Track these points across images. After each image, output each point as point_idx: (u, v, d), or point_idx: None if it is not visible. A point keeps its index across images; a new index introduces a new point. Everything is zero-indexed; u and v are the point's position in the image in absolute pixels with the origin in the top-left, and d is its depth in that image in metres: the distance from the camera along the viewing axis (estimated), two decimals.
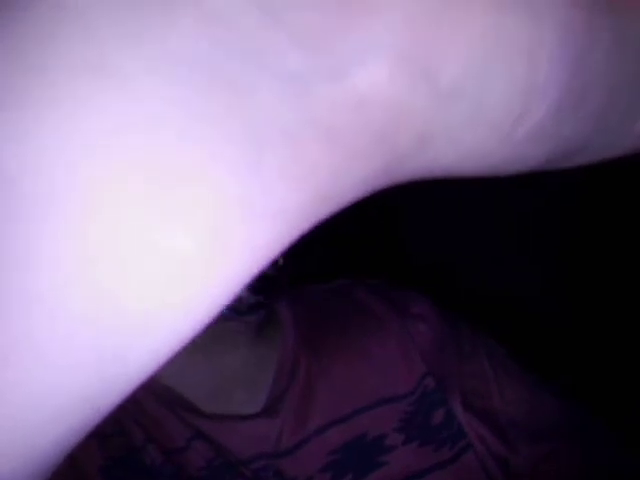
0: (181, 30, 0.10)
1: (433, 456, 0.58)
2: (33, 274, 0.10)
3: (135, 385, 0.11)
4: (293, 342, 0.61)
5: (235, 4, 0.10)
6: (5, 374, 0.10)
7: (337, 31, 0.10)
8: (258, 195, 0.11)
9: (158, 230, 0.10)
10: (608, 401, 0.66)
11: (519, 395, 0.61)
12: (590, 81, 0.12)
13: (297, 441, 0.57)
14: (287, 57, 0.10)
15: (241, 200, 0.10)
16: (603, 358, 0.75)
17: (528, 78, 0.11)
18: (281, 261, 0.55)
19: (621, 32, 0.12)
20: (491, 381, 0.61)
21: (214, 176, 0.10)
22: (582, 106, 0.12)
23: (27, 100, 0.10)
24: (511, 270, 0.80)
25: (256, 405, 0.58)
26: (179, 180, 0.10)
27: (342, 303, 0.65)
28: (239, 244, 0.11)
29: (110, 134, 0.10)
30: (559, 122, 0.12)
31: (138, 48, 0.10)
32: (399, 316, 0.63)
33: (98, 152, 0.10)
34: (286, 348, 0.61)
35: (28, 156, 0.10)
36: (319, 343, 0.61)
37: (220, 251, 0.11)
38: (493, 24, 0.11)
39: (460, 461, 0.58)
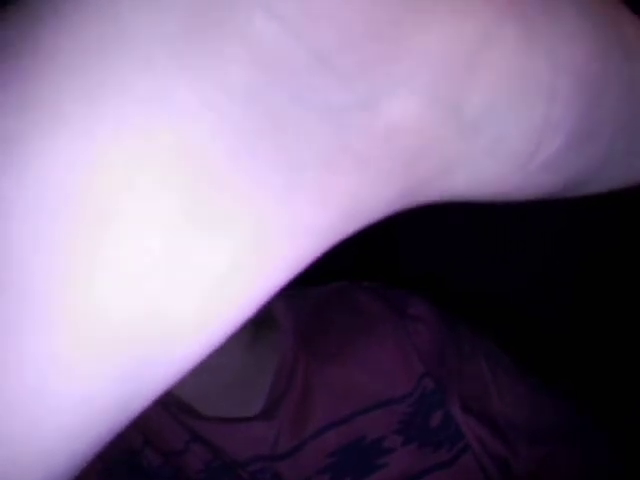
0: (237, 67, 0.11)
1: (432, 458, 0.58)
2: (60, 287, 0.10)
3: (159, 394, 0.12)
4: (291, 344, 0.61)
5: (287, 47, 0.11)
6: (25, 385, 0.10)
7: (374, 68, 0.11)
8: (291, 215, 0.11)
9: (196, 246, 0.11)
10: (607, 402, 0.66)
11: (518, 396, 0.61)
12: (601, 120, 0.13)
13: (295, 443, 0.56)
14: (329, 92, 0.11)
15: (275, 219, 0.11)
16: (602, 359, 0.75)
17: (545, 116, 0.12)
18: None
19: (633, 77, 0.13)
20: (490, 382, 0.61)
21: (253, 197, 0.11)
22: (592, 142, 0.13)
23: (98, 127, 0.10)
24: (508, 272, 0.80)
25: (254, 407, 0.58)
26: (221, 202, 0.11)
27: (340, 305, 0.65)
28: (272, 259, 0.11)
29: (163, 159, 0.10)
30: (571, 156, 0.13)
31: (196, 81, 0.10)
32: (397, 317, 0.63)
33: (150, 173, 0.10)
34: (284, 350, 0.60)
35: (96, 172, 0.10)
36: (317, 345, 0.61)
37: (253, 266, 0.11)
38: (518, 67, 0.12)
39: (459, 463, 0.58)
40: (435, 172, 0.12)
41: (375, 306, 0.64)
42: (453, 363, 0.62)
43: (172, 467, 0.54)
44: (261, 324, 0.59)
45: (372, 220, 0.13)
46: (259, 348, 0.60)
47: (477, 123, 0.12)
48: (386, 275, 0.71)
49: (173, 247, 0.11)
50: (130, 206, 0.10)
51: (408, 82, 0.11)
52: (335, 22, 0.11)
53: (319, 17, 0.11)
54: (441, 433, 0.59)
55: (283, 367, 0.60)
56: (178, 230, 0.11)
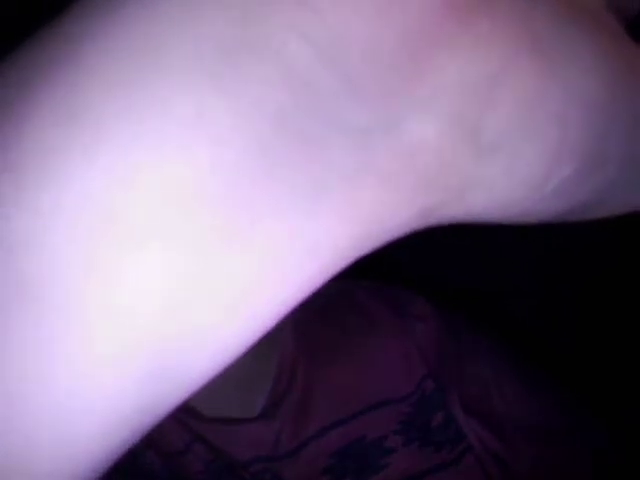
0: (270, 89, 0.11)
1: (433, 458, 0.58)
2: (90, 300, 0.11)
3: (179, 403, 0.12)
4: (292, 345, 0.61)
5: (318, 71, 0.11)
6: (49, 394, 0.11)
7: (399, 92, 0.12)
8: (315, 232, 0.12)
9: (222, 261, 0.11)
10: (609, 401, 0.66)
11: (519, 396, 0.61)
12: (609, 150, 0.14)
13: (296, 444, 0.56)
14: (355, 114, 0.12)
15: (299, 236, 0.12)
16: (603, 356, 0.75)
17: (558, 141, 0.13)
18: None
19: (638, 111, 0.14)
20: (491, 383, 0.61)
21: (279, 213, 0.11)
22: (601, 170, 0.14)
23: (137, 144, 0.11)
24: (509, 272, 0.80)
25: (255, 408, 0.58)
26: (248, 218, 0.11)
27: (341, 305, 0.65)
28: (293, 275, 0.12)
29: (197, 176, 0.11)
30: (581, 182, 0.14)
31: (231, 102, 0.11)
32: (399, 317, 0.63)
33: (185, 190, 0.11)
34: (285, 351, 0.60)
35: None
36: (318, 345, 0.61)
37: (275, 282, 0.12)
38: (534, 95, 0.12)
39: (460, 463, 0.58)
40: (452, 193, 0.13)
41: (376, 306, 0.64)
42: (454, 363, 0.62)
43: (173, 468, 0.54)
44: None
45: (390, 239, 0.13)
46: (260, 349, 0.60)
47: (493, 146, 0.13)
48: (387, 275, 0.71)
49: (200, 262, 0.11)
50: (164, 223, 0.11)
51: (429, 106, 0.12)
52: (364, 49, 0.11)
53: (349, 44, 0.11)
54: (442, 433, 0.59)
55: (283, 367, 0.60)
56: (207, 246, 0.11)
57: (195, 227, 0.11)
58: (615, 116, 0.14)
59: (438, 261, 0.83)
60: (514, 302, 0.78)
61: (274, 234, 0.11)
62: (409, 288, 0.67)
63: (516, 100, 0.12)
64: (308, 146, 0.11)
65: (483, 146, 0.13)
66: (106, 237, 0.10)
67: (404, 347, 0.62)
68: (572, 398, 0.63)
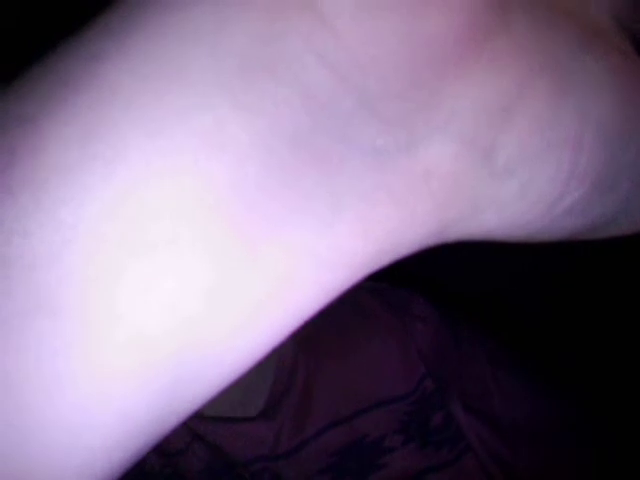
0: (288, 109, 0.11)
1: (432, 457, 0.58)
2: (107, 311, 0.11)
3: (194, 410, 0.12)
4: (292, 344, 0.61)
5: (336, 93, 0.11)
6: (65, 404, 0.11)
7: (416, 115, 0.12)
8: (330, 247, 0.12)
9: (237, 274, 0.11)
10: (609, 401, 0.66)
11: (520, 396, 0.61)
12: (621, 171, 0.14)
13: (296, 443, 0.56)
14: (372, 136, 0.12)
15: (314, 251, 0.12)
16: (605, 358, 0.75)
17: (571, 164, 0.13)
18: None
19: None
20: (491, 382, 0.61)
21: (294, 230, 0.12)
22: (613, 191, 0.14)
23: (156, 159, 0.11)
24: (510, 271, 0.80)
25: (255, 407, 0.58)
26: (264, 234, 0.11)
27: (341, 305, 0.64)
28: (307, 289, 0.12)
29: (215, 190, 0.11)
30: (593, 202, 0.14)
31: (249, 120, 0.11)
32: (399, 317, 0.63)
33: (202, 203, 0.11)
34: (285, 350, 0.60)
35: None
36: (318, 345, 0.61)
37: (289, 295, 0.12)
38: (549, 117, 0.13)
39: (460, 463, 0.58)
40: (466, 212, 0.13)
41: (376, 306, 0.64)
42: (454, 363, 0.62)
43: (173, 467, 0.54)
44: None
45: (403, 255, 0.13)
46: None
47: (508, 168, 0.13)
48: (387, 275, 0.70)
49: (217, 275, 0.11)
50: (181, 236, 0.11)
51: (446, 128, 0.12)
52: (381, 72, 0.11)
53: (368, 67, 0.11)
54: (442, 433, 0.59)
55: (283, 367, 0.60)
56: (224, 259, 0.11)
57: (212, 240, 0.11)
58: (628, 137, 0.14)
59: (438, 261, 0.83)
60: (515, 302, 0.78)
61: (290, 248, 0.12)
62: (409, 288, 0.67)
63: (530, 123, 0.13)
64: (325, 164, 0.12)
65: (497, 169, 0.13)
66: (124, 251, 0.11)
67: (404, 347, 0.62)
68: (572, 397, 0.63)
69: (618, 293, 0.76)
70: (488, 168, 0.13)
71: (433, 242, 0.14)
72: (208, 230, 0.11)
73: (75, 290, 0.10)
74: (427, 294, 0.66)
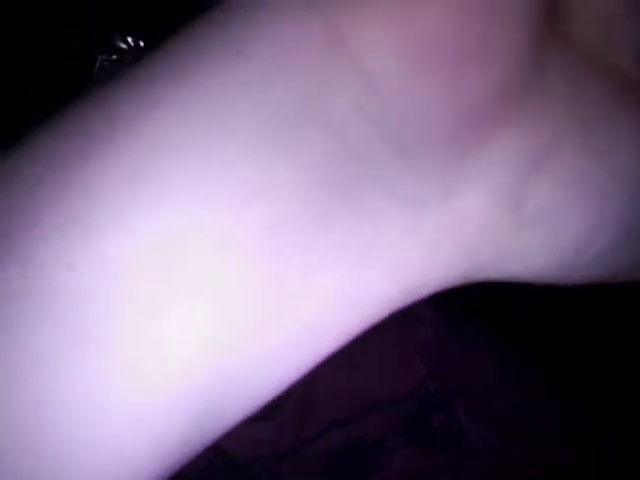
0: (327, 157, 0.12)
1: (433, 458, 0.58)
2: (142, 340, 0.11)
3: (217, 437, 0.13)
4: None
5: (373, 142, 0.12)
6: (104, 439, 0.11)
7: (450, 165, 0.12)
8: (358, 290, 0.12)
9: (270, 314, 0.12)
10: (610, 401, 0.66)
11: (522, 397, 0.61)
12: None
13: (296, 444, 0.56)
14: (407, 184, 0.12)
15: (342, 295, 0.12)
16: (606, 358, 0.75)
17: (597, 216, 0.13)
18: None
19: None
20: (493, 383, 0.61)
21: (324, 273, 0.12)
22: (638, 240, 0.14)
23: (199, 207, 0.11)
24: None
25: None
26: (295, 278, 0.12)
27: None
28: (337, 324, 0.13)
29: (253, 233, 0.11)
30: (618, 251, 0.14)
31: (293, 169, 0.11)
32: (400, 317, 0.63)
33: (240, 245, 0.11)
34: None
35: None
36: None
37: (319, 330, 0.12)
38: (578, 170, 0.13)
39: (461, 464, 0.58)
40: (491, 260, 0.13)
41: None
42: (456, 363, 0.62)
43: None
44: None
45: (428, 295, 0.14)
46: None
47: (535, 219, 0.13)
48: None
49: (248, 315, 0.12)
50: (220, 276, 0.11)
51: (478, 180, 0.12)
52: (421, 126, 0.12)
53: (407, 122, 0.12)
54: (443, 434, 0.59)
55: None
56: (256, 300, 0.12)
57: (247, 284, 0.11)
58: None
59: None
60: (517, 301, 0.78)
61: (321, 292, 0.12)
62: None
63: (559, 178, 0.13)
64: (359, 213, 0.12)
65: (525, 219, 0.13)
66: (164, 288, 0.11)
67: (405, 347, 0.62)
68: (575, 398, 0.63)
69: (621, 294, 0.75)
70: (516, 218, 0.13)
71: (458, 283, 0.14)
72: (244, 274, 0.11)
73: (115, 325, 0.11)
74: (429, 293, 0.66)
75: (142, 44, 0.63)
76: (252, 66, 0.12)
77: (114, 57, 0.62)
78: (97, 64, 0.62)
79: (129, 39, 0.63)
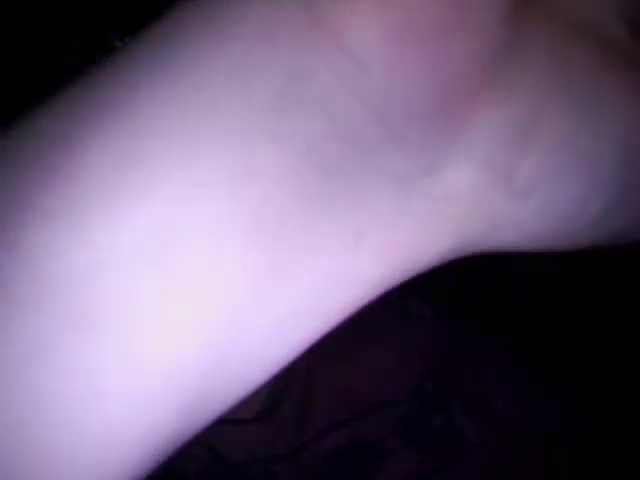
0: (318, 139, 0.12)
1: (433, 459, 0.58)
2: (144, 331, 0.11)
3: (208, 424, 0.13)
4: None
5: (364, 123, 0.12)
6: (103, 419, 0.11)
7: (438, 140, 0.12)
8: (352, 269, 0.13)
9: (265, 295, 0.12)
10: (610, 401, 0.66)
11: (522, 398, 0.61)
12: (638, 184, 0.14)
13: (294, 445, 0.56)
14: (397, 162, 0.12)
15: (335, 274, 0.12)
16: (606, 358, 0.75)
17: (589, 181, 0.13)
18: None
19: None
20: (493, 383, 0.61)
21: (319, 253, 0.12)
22: (634, 198, 0.14)
23: (192, 190, 0.11)
24: (511, 270, 0.80)
25: (253, 408, 0.58)
26: (291, 256, 0.12)
27: None
28: (328, 307, 0.13)
29: (248, 218, 0.11)
30: (613, 213, 0.14)
31: (281, 153, 0.11)
32: (398, 317, 0.63)
33: (235, 230, 0.11)
34: None
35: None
36: (317, 346, 0.61)
37: (312, 314, 0.13)
38: (566, 137, 0.13)
39: (460, 465, 0.58)
40: (484, 232, 0.14)
41: (374, 306, 0.64)
42: (454, 364, 0.62)
43: (170, 468, 0.54)
44: None
45: (422, 271, 0.14)
46: None
47: (526, 190, 0.13)
48: None
49: (244, 296, 0.12)
50: (211, 259, 0.11)
51: (466, 153, 0.13)
52: (407, 102, 0.12)
53: (394, 99, 0.12)
54: (442, 434, 0.59)
55: (282, 369, 0.59)
56: (251, 280, 0.12)
57: (241, 265, 0.12)
58: None
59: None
60: (516, 301, 0.78)
61: (315, 272, 0.12)
62: (408, 287, 0.67)
63: (548, 145, 0.13)
64: (350, 193, 0.12)
65: (515, 190, 0.13)
66: (154, 273, 0.11)
67: (404, 347, 0.62)
68: (575, 398, 0.63)
69: (621, 293, 0.76)
70: (507, 190, 0.13)
71: (451, 257, 0.14)
72: (238, 255, 0.11)
73: (107, 309, 0.11)
74: (425, 292, 0.66)
75: None
76: (236, 49, 0.11)
77: None
78: (95, 65, 0.62)
79: (127, 40, 0.63)
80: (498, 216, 0.13)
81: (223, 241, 0.11)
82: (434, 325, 0.63)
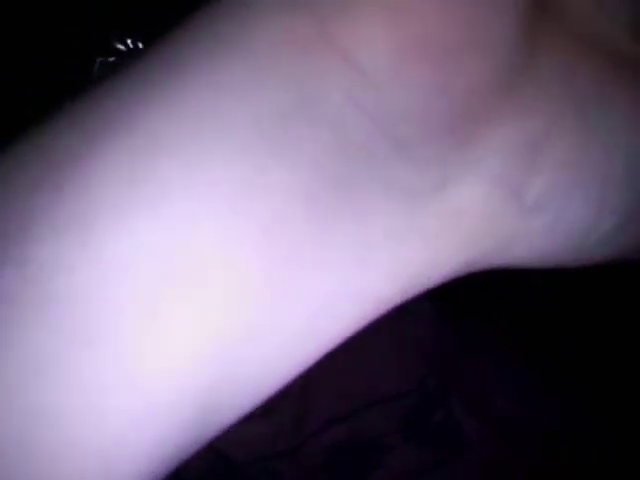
0: (325, 152, 0.12)
1: (432, 456, 0.58)
2: (145, 344, 0.11)
3: (216, 435, 0.13)
4: None
5: (371, 137, 0.12)
6: (107, 434, 0.11)
7: (448, 156, 0.12)
8: (360, 285, 0.12)
9: (270, 312, 0.12)
10: (610, 401, 0.66)
11: (521, 395, 0.61)
12: None
13: (295, 442, 0.56)
14: (406, 177, 0.12)
15: (345, 290, 0.12)
16: (607, 357, 0.75)
17: (600, 199, 0.13)
18: None
19: None
20: (493, 380, 0.61)
21: (326, 268, 0.12)
22: None
23: (197, 206, 0.11)
24: (513, 268, 0.80)
25: None
26: (297, 273, 0.12)
27: None
28: (335, 324, 0.13)
29: (253, 232, 0.11)
30: (624, 230, 0.14)
31: (289, 165, 0.11)
32: (398, 314, 0.63)
33: (241, 244, 0.11)
34: None
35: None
36: None
37: (319, 330, 0.13)
38: (577, 155, 0.13)
39: (460, 461, 0.58)
40: (495, 248, 0.13)
41: None
42: (455, 360, 0.62)
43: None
44: None
45: (433, 286, 0.14)
46: None
47: (537, 206, 0.13)
48: None
49: (251, 312, 0.12)
50: (219, 275, 0.11)
51: (478, 168, 0.12)
52: (418, 118, 0.12)
53: (403, 114, 0.12)
54: (442, 431, 0.59)
55: None
56: (259, 298, 0.12)
57: (250, 281, 0.11)
58: None
59: None
60: (515, 300, 0.78)
61: (324, 288, 0.12)
62: None
63: (558, 162, 0.13)
64: (359, 208, 0.12)
65: (528, 206, 0.13)
66: (164, 289, 0.11)
67: (404, 344, 0.61)
68: (575, 396, 0.63)
69: (621, 292, 0.75)
70: (519, 205, 0.13)
71: (463, 272, 0.14)
72: (247, 272, 0.11)
73: (115, 326, 0.11)
74: (428, 290, 0.66)
75: (140, 46, 0.63)
76: (245, 65, 0.11)
77: (112, 59, 0.62)
78: (96, 65, 0.62)
79: (128, 41, 0.63)
80: (510, 232, 0.13)
81: (232, 257, 0.11)
82: (433, 323, 0.63)
